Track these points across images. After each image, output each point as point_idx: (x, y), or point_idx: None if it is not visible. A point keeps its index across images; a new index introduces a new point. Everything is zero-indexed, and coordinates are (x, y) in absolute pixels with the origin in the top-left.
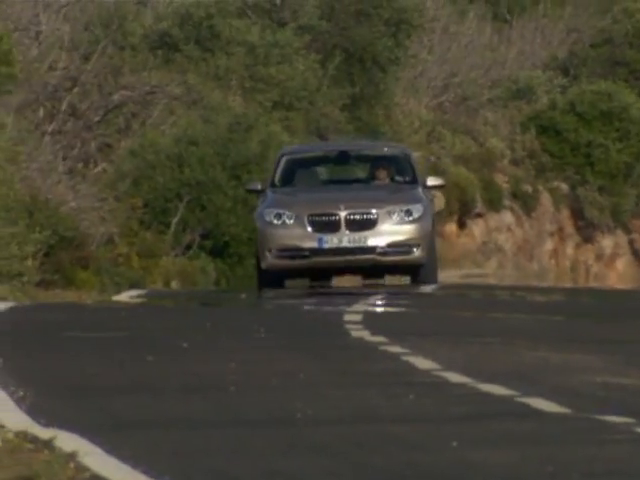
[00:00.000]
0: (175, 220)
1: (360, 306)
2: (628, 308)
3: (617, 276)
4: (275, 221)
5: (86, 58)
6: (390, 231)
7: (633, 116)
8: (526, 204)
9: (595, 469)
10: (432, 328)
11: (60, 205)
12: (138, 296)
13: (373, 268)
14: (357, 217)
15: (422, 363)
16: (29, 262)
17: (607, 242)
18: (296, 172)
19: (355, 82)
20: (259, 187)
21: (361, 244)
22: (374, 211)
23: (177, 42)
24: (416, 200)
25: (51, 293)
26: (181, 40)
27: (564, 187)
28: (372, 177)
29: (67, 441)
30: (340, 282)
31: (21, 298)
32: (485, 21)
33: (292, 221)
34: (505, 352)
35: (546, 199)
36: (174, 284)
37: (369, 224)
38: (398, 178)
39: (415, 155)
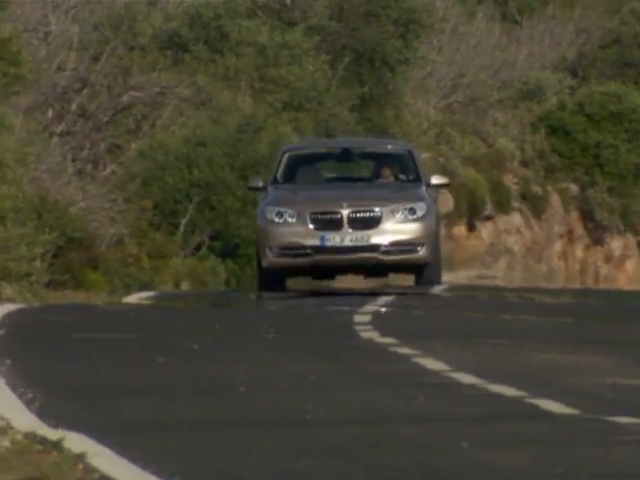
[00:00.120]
0: (184, 221)
1: (369, 307)
2: (637, 310)
3: (626, 278)
4: (276, 219)
5: (95, 59)
6: (394, 230)
7: None
8: (535, 206)
9: (604, 470)
10: (442, 329)
11: (69, 206)
12: (147, 298)
13: (376, 267)
14: (360, 215)
15: (432, 364)
16: (38, 263)
17: (616, 244)
18: (298, 169)
19: (364, 83)
20: (260, 184)
21: (364, 242)
22: (377, 209)
23: (186, 42)
24: (420, 198)
25: (60, 294)
26: (190, 40)
27: (574, 188)
28: (376, 175)
29: (76, 442)
30: (343, 282)
31: (30, 299)
32: (494, 22)
33: (294, 219)
34: (515, 353)
35: (555, 201)
36: (184, 285)
37: (372, 222)
38: (402, 176)
39: (422, 155)
